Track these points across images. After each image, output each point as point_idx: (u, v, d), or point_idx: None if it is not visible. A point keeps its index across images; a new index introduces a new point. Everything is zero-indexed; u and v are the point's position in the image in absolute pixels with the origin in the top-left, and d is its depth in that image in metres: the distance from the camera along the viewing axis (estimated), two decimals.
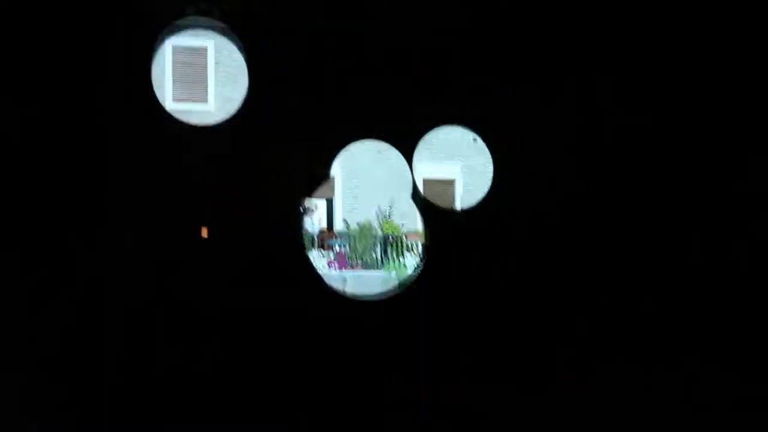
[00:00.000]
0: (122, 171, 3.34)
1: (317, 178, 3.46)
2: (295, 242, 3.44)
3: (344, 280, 20.47)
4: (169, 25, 3.41)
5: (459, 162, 23.16)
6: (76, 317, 3.29)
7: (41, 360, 3.28)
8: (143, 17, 3.34)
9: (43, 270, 3.28)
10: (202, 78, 24.04)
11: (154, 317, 3.36)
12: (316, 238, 22.05)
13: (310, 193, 3.47)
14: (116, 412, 3.30)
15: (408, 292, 3.45)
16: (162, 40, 3.47)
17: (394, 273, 20.96)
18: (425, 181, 23.01)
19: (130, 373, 3.32)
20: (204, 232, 3.40)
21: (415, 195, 3.55)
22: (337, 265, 21.00)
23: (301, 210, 3.55)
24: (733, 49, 3.45)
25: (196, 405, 3.36)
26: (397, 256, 21.77)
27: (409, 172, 3.49)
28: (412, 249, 21.68)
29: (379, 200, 23.84)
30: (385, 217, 22.45)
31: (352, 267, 21.35)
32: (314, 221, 22.57)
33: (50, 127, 3.28)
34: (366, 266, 21.57)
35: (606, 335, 3.36)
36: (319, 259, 20.63)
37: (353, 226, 22.27)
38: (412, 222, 21.78)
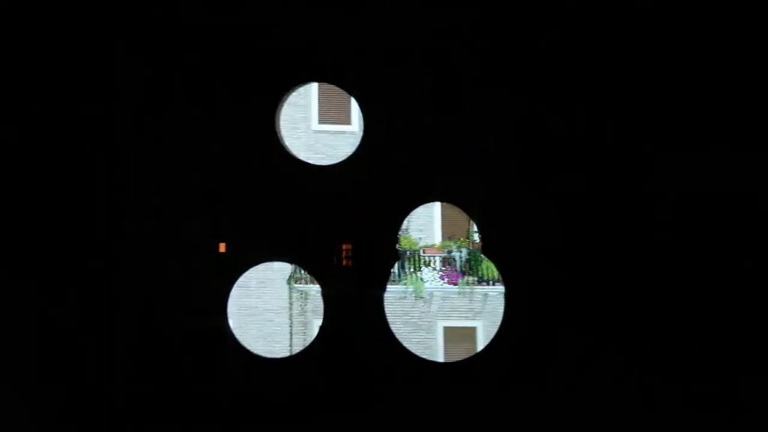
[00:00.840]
0: (122, 171, 3.36)
1: None
2: None
3: None
4: None
5: None
6: (76, 317, 3.30)
7: (41, 360, 3.29)
8: (147, 18, 3.38)
9: (44, 270, 3.30)
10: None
11: (154, 317, 3.37)
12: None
13: None
14: (116, 413, 3.30)
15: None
16: None
17: (411, 288, 20.89)
18: None
19: (130, 373, 3.33)
20: (222, 247, 3.42)
21: None
22: None
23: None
24: (732, 50, 3.43)
25: (197, 406, 3.36)
26: (415, 270, 21.68)
27: None
28: (429, 263, 21.62)
29: None
30: (402, 231, 22.41)
31: None
32: None
33: (50, 127, 3.31)
34: None
35: (606, 335, 3.33)
36: None
37: None
38: (429, 236, 21.71)
